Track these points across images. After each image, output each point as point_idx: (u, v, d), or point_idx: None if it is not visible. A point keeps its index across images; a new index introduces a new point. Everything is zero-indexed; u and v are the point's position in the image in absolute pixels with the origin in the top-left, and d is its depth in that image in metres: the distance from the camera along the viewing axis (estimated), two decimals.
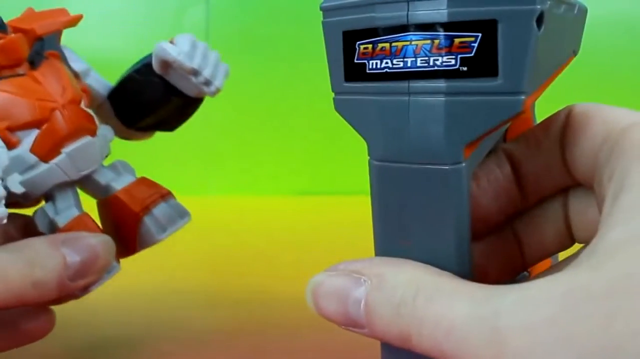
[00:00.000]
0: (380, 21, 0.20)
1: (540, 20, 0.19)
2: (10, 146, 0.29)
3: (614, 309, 0.17)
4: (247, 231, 0.56)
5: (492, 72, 0.19)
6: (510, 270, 0.26)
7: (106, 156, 0.33)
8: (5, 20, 0.31)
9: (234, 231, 0.55)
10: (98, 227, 0.31)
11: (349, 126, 0.23)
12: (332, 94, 0.23)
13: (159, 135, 0.36)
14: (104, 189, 0.32)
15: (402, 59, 0.20)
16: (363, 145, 0.23)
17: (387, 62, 0.20)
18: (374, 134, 0.22)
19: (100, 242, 0.28)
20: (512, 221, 0.26)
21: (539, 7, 0.19)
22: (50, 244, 0.27)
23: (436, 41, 0.19)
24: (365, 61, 0.21)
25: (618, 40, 0.78)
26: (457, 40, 0.19)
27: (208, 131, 0.81)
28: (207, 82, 0.32)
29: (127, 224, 0.32)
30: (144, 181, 0.33)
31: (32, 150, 0.30)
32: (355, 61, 0.21)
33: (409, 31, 0.20)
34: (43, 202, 0.32)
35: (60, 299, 0.28)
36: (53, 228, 0.31)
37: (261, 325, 0.37)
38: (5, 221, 0.26)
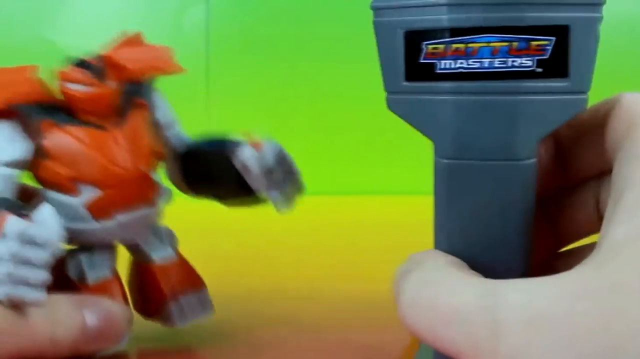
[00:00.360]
0: (454, 22, 0.21)
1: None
2: (68, 193, 0.29)
3: (615, 309, 0.17)
4: (247, 231, 0.56)
5: (563, 73, 0.21)
6: (542, 251, 0.26)
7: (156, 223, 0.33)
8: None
9: (233, 231, 0.55)
10: (123, 294, 0.31)
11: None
12: (385, 94, 0.23)
13: None
14: (143, 255, 0.32)
15: (478, 60, 0.21)
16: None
17: (462, 63, 0.21)
18: (443, 132, 0.22)
19: (119, 312, 0.29)
20: (548, 202, 0.26)
21: (600, 14, 0.21)
22: (73, 305, 0.28)
23: (514, 43, 0.21)
24: (435, 61, 0.21)
25: (618, 41, 0.78)
26: (533, 43, 0.21)
27: (207, 131, 0.81)
28: (277, 200, 0.32)
29: (153, 299, 0.32)
30: (182, 264, 0.33)
31: (87, 206, 0.29)
32: (421, 61, 0.22)
33: (486, 33, 0.21)
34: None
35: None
36: (81, 279, 0.31)
37: (261, 324, 0.37)
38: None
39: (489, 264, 0.22)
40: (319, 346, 0.34)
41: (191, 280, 0.33)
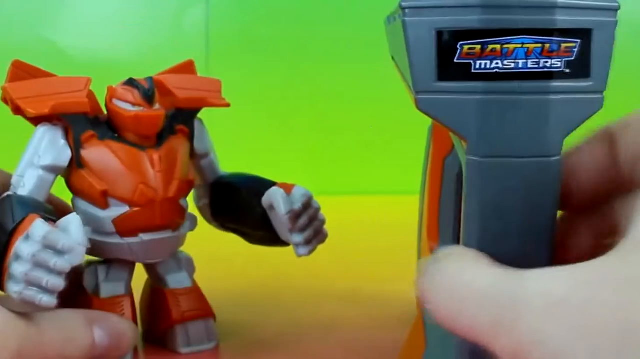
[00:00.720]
0: (492, 24, 0.22)
1: None
2: (98, 205, 0.30)
3: (633, 301, 0.17)
4: None
5: (586, 73, 0.23)
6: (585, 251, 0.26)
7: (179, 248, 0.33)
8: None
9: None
10: (133, 313, 0.32)
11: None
12: (413, 94, 0.23)
13: None
14: (158, 278, 0.33)
15: (513, 60, 0.22)
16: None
17: (497, 63, 0.22)
18: (478, 131, 0.23)
19: (128, 330, 0.30)
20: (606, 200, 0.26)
21: (617, 19, 0.23)
22: (84, 322, 0.28)
23: (547, 45, 0.22)
24: (471, 61, 0.22)
25: (618, 41, 0.78)
26: (563, 45, 0.22)
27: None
28: (298, 244, 0.32)
29: (161, 322, 0.33)
30: (195, 292, 0.34)
31: (114, 221, 0.30)
32: (456, 61, 0.22)
33: (521, 35, 0.22)
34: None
35: None
36: (95, 292, 0.31)
37: (261, 324, 0.37)
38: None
39: (514, 259, 0.22)
40: (319, 345, 0.34)
41: (201, 309, 0.33)
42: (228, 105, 0.34)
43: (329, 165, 0.83)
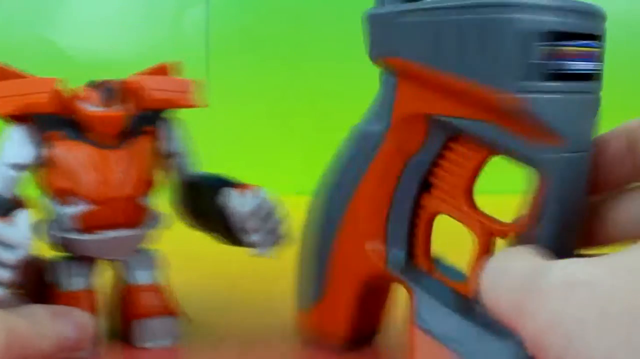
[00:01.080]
0: (585, 29, 0.24)
1: None
2: (63, 203, 0.31)
3: None
4: None
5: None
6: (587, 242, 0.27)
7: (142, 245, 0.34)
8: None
9: None
10: (94, 307, 0.33)
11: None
12: (513, 93, 0.23)
13: None
14: (123, 274, 0.34)
15: (591, 62, 0.24)
16: None
17: (585, 64, 0.24)
18: (572, 128, 0.24)
19: (88, 323, 0.31)
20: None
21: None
22: (52, 318, 0.30)
23: (600, 49, 0.24)
24: (565, 62, 0.23)
25: (619, 41, 0.78)
26: (601, 50, 0.25)
27: (207, 131, 0.81)
28: (251, 245, 0.33)
29: (124, 316, 0.34)
30: (159, 289, 0.34)
31: (76, 219, 0.31)
32: (546, 61, 0.23)
33: (594, 40, 0.24)
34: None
35: None
36: (58, 286, 0.33)
37: (262, 323, 0.37)
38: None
39: (560, 249, 0.24)
40: (319, 344, 0.34)
41: (163, 305, 0.34)
42: (197, 106, 0.34)
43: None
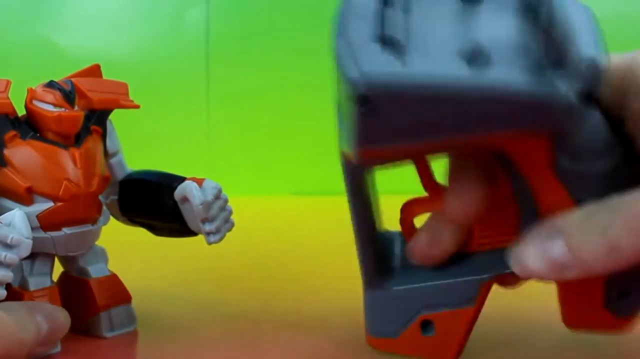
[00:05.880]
0: None
1: None
2: (22, 202, 0.32)
3: None
4: (247, 231, 0.56)
5: None
6: None
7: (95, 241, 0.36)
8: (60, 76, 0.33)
9: (234, 232, 0.55)
10: (61, 302, 0.33)
11: None
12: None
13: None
14: (79, 269, 0.35)
15: None
16: None
17: None
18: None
19: (62, 316, 0.32)
20: None
21: None
22: (29, 312, 0.30)
23: None
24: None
25: (619, 41, 0.78)
26: None
27: (207, 131, 0.81)
28: (209, 233, 0.35)
29: (85, 309, 0.35)
30: (115, 279, 0.36)
31: (39, 217, 0.32)
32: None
33: None
34: None
35: None
36: (23, 285, 0.33)
37: (262, 323, 0.37)
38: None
39: None
40: (319, 345, 0.34)
41: (121, 295, 0.36)
42: (138, 106, 0.36)
43: (329, 165, 0.83)
